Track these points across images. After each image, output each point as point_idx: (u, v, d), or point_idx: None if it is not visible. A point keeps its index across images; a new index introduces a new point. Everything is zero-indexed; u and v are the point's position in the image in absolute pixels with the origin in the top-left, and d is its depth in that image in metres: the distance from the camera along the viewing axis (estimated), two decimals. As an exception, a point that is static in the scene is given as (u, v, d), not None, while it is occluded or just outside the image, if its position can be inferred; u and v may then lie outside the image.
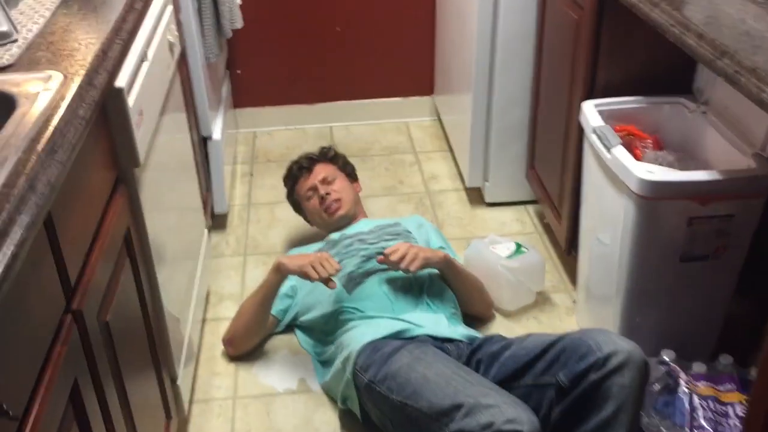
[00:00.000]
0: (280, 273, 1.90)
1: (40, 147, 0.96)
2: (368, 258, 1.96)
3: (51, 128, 1.01)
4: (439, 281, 1.96)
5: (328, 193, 2.17)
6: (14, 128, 1.01)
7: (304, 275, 1.83)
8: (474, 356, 1.69)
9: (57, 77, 1.15)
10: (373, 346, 1.69)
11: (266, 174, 2.83)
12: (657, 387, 1.61)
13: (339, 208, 2.16)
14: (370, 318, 1.83)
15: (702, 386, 1.60)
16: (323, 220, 2.19)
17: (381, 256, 1.87)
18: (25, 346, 0.90)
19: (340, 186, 2.20)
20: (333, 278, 1.83)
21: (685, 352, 1.70)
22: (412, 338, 1.72)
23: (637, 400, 1.43)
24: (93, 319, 1.12)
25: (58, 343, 0.99)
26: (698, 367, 1.65)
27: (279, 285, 1.93)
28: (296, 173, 2.28)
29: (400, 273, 1.89)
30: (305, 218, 2.31)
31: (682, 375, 1.62)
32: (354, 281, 1.91)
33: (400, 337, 1.72)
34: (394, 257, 1.83)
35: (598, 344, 1.44)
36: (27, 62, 1.21)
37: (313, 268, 1.81)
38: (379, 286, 1.89)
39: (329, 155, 2.30)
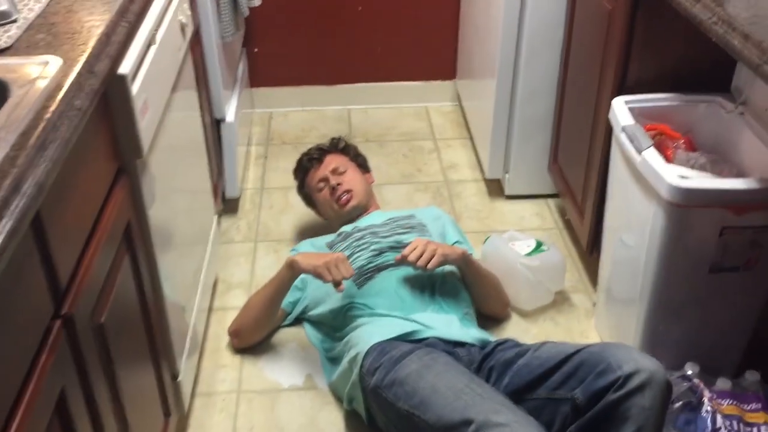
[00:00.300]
0: (293, 270, 1.83)
1: (30, 142, 0.90)
2: (380, 252, 1.89)
3: (44, 121, 0.94)
4: (452, 279, 1.89)
5: (339, 184, 2.11)
6: (5, 120, 0.95)
7: (318, 276, 1.77)
8: (486, 362, 1.62)
9: (55, 63, 1.08)
10: (381, 347, 1.62)
11: (281, 157, 2.75)
12: (678, 404, 1.53)
13: (350, 198, 2.09)
14: (380, 316, 1.76)
15: (726, 405, 1.53)
16: (334, 211, 2.13)
17: (398, 256, 1.79)
18: (5, 358, 0.84)
19: (351, 177, 2.14)
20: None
21: (709, 366, 1.62)
22: (422, 340, 1.66)
23: (658, 421, 1.35)
24: (85, 323, 1.05)
25: (44, 352, 0.93)
26: (723, 384, 1.57)
27: (291, 282, 1.87)
28: (306, 165, 2.22)
29: (412, 269, 1.82)
30: (317, 212, 2.25)
31: (706, 392, 1.54)
32: (365, 276, 1.85)
33: (410, 339, 1.66)
34: (411, 256, 1.76)
35: (618, 362, 1.36)
36: (25, 45, 1.14)
37: (328, 269, 1.75)
38: (390, 282, 1.82)
39: (340, 146, 2.24)
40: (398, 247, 1.89)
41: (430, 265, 1.76)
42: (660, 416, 1.35)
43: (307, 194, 2.25)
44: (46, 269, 0.95)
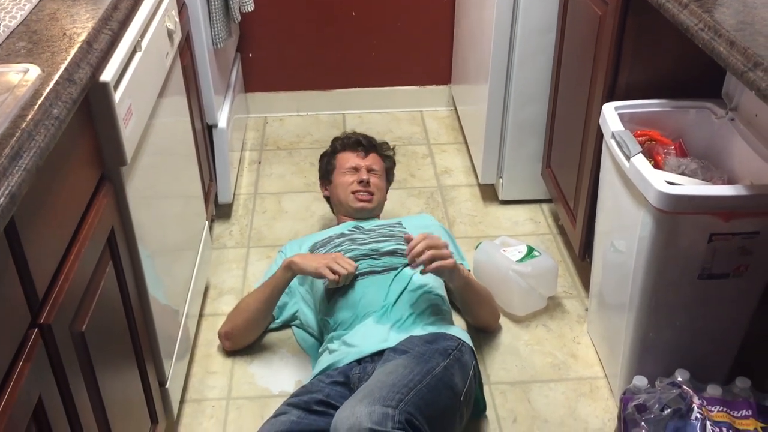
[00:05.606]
0: (291, 271, 1.83)
1: (5, 151, 0.89)
2: (354, 260, 1.85)
3: (19, 130, 0.93)
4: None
5: (368, 182, 2.10)
6: (-20, 129, 0.95)
7: (319, 275, 1.77)
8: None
9: (34, 71, 1.08)
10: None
11: (274, 162, 2.75)
12: (668, 411, 1.52)
13: (369, 201, 2.09)
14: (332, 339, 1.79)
15: (716, 412, 1.52)
16: (344, 199, 2.10)
17: (410, 257, 1.73)
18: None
19: (380, 184, 2.15)
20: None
21: (699, 372, 1.61)
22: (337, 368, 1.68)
23: None
24: (65, 331, 1.05)
25: (20, 360, 0.92)
26: (713, 390, 1.56)
27: (287, 284, 1.88)
28: (351, 145, 2.19)
29: (381, 277, 1.81)
30: (323, 187, 2.22)
31: (696, 399, 1.53)
32: (334, 289, 1.83)
33: (329, 370, 1.69)
34: (415, 250, 1.70)
35: None
36: (5, 53, 1.14)
37: (329, 268, 1.76)
38: (357, 290, 1.80)
39: (385, 151, 2.25)
40: (373, 254, 1.88)
41: (423, 270, 1.72)
42: None
43: (329, 164, 2.21)
44: (22, 279, 0.95)
